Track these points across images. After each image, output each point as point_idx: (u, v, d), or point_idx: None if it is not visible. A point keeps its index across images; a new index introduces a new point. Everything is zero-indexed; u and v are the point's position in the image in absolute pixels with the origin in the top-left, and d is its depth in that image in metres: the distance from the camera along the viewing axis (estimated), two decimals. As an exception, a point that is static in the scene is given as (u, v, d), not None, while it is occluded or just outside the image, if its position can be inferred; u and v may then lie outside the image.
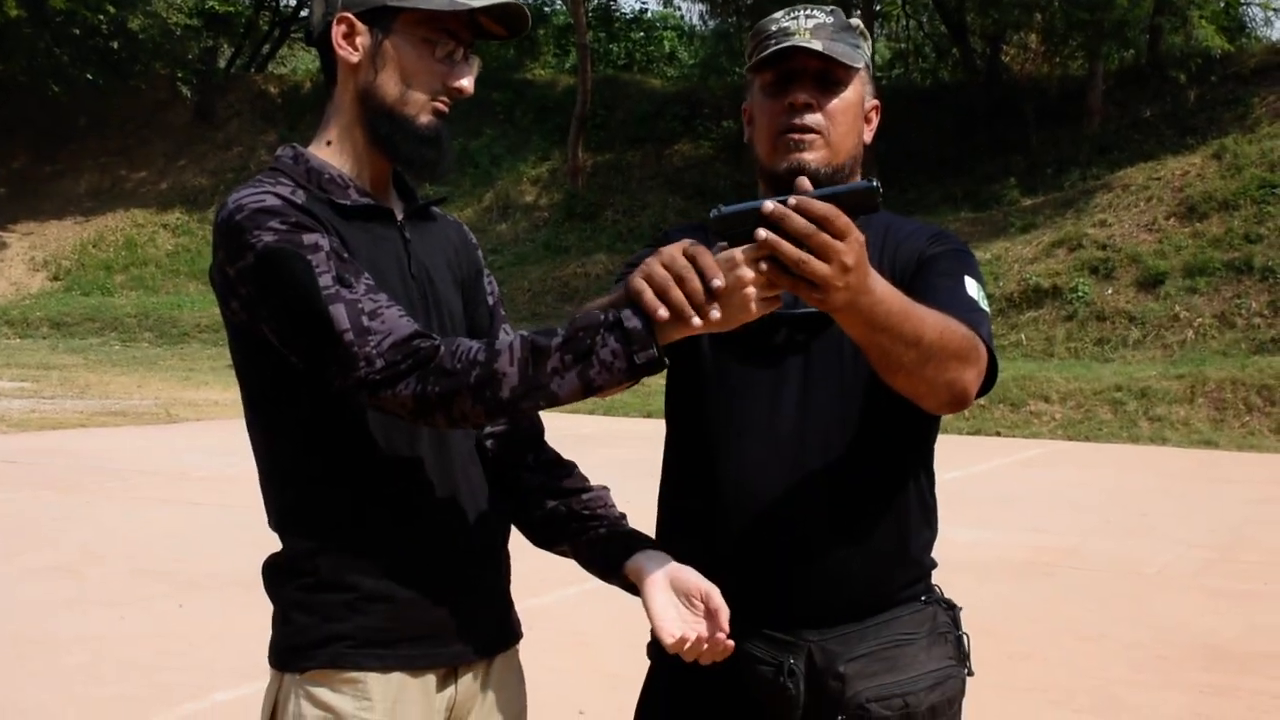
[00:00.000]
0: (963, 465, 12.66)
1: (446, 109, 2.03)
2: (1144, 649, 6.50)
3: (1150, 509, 10.77)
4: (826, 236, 1.71)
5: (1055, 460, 14.09)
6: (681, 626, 1.99)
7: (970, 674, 2.30)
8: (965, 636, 2.31)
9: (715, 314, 1.74)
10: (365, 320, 1.83)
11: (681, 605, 2.02)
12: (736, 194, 28.16)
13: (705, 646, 2.00)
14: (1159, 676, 6.07)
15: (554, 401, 1.81)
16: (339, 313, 1.82)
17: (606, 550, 2.12)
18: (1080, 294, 20.42)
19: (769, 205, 1.72)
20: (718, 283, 1.73)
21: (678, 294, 1.74)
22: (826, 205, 1.72)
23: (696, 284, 1.73)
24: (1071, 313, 20.32)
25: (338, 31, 2.00)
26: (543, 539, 2.22)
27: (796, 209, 1.71)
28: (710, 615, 2.01)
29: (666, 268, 1.75)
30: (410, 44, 1.98)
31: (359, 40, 1.99)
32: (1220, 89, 25.82)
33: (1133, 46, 26.64)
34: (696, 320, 1.74)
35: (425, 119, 2.01)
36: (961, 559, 7.70)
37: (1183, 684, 5.95)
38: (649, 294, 1.75)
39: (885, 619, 2.22)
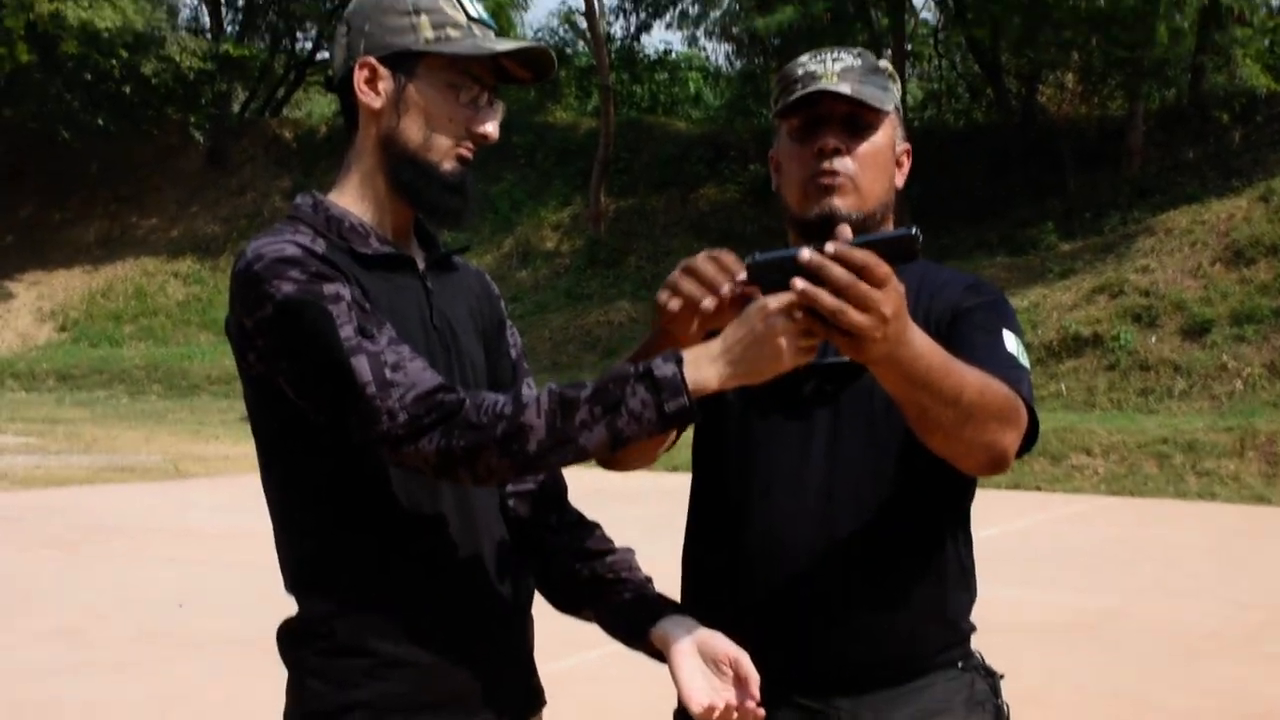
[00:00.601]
0: (1002, 522, 12.46)
1: (471, 155, 2.03)
2: (1196, 717, 6.38)
3: (1200, 568, 10.60)
4: (865, 286, 1.69)
5: (1099, 516, 13.89)
6: (710, 695, 1.94)
7: None
8: (1005, 706, 2.25)
9: (727, 288, 1.80)
10: (388, 373, 1.81)
11: (710, 672, 1.98)
12: (763, 239, 27.86)
13: (735, 715, 1.94)
14: None
15: (582, 456, 1.80)
16: (361, 365, 1.81)
17: (631, 616, 2.08)
18: (1122, 342, 19.97)
19: (806, 254, 1.71)
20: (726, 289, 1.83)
21: (689, 284, 1.83)
22: (866, 253, 1.70)
23: (710, 270, 1.84)
24: (1114, 362, 19.87)
25: (360, 76, 2.00)
26: (566, 603, 2.19)
27: (835, 257, 1.70)
28: (740, 683, 1.96)
29: (684, 267, 1.86)
30: (434, 89, 1.98)
31: (381, 85, 1.99)
32: (1266, 129, 25.35)
33: (1174, 86, 26.31)
34: (708, 302, 1.80)
35: (449, 165, 2.00)
36: (1001, 620, 7.62)
37: None
38: (663, 293, 1.86)
39: (920, 685, 2.16)
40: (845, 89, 2.15)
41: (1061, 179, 26.12)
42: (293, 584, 2.01)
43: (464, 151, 2.02)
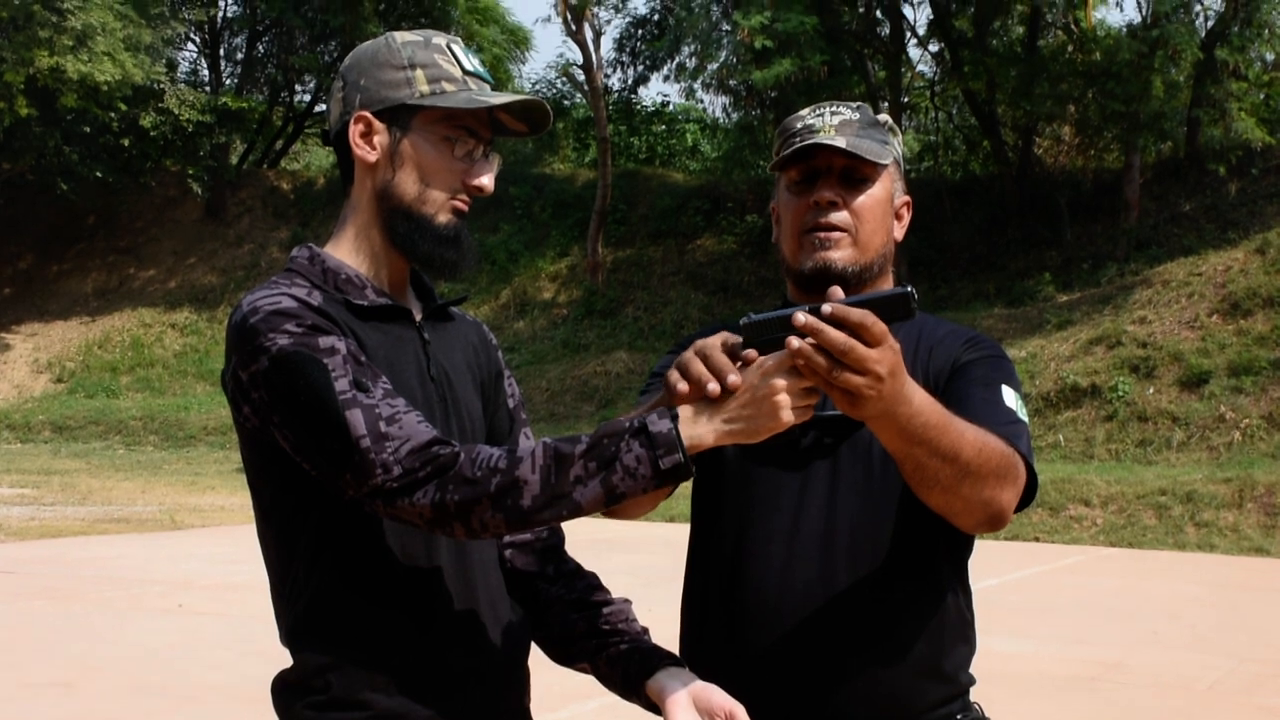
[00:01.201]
0: (999, 573, 12.43)
1: (466, 207, 2.03)
2: None
3: (1199, 620, 10.57)
4: (861, 347, 1.70)
5: (1097, 568, 13.89)
6: None
7: None
8: None
9: (734, 378, 1.77)
10: (383, 426, 1.80)
11: None
12: (760, 290, 27.90)
13: None
14: None
15: (576, 511, 1.79)
16: (355, 418, 1.80)
17: (627, 668, 2.07)
18: (1120, 393, 19.99)
19: (801, 318, 1.72)
20: (734, 379, 1.78)
21: (699, 367, 1.81)
22: (861, 312, 1.70)
23: (722, 359, 1.80)
24: (1112, 413, 19.88)
25: (355, 131, 2.00)
26: (562, 655, 2.18)
27: (830, 318, 1.70)
28: None
29: (695, 350, 1.83)
30: (429, 142, 1.98)
31: (377, 139, 2.00)
32: (1262, 182, 25.40)
33: (1170, 138, 26.23)
34: (713, 386, 1.77)
35: (444, 218, 2.00)
36: (998, 671, 7.50)
37: None
38: (673, 374, 1.83)
39: None
40: (841, 142, 2.17)
41: (1058, 231, 26.16)
42: (288, 637, 1.99)
43: (459, 204, 2.02)
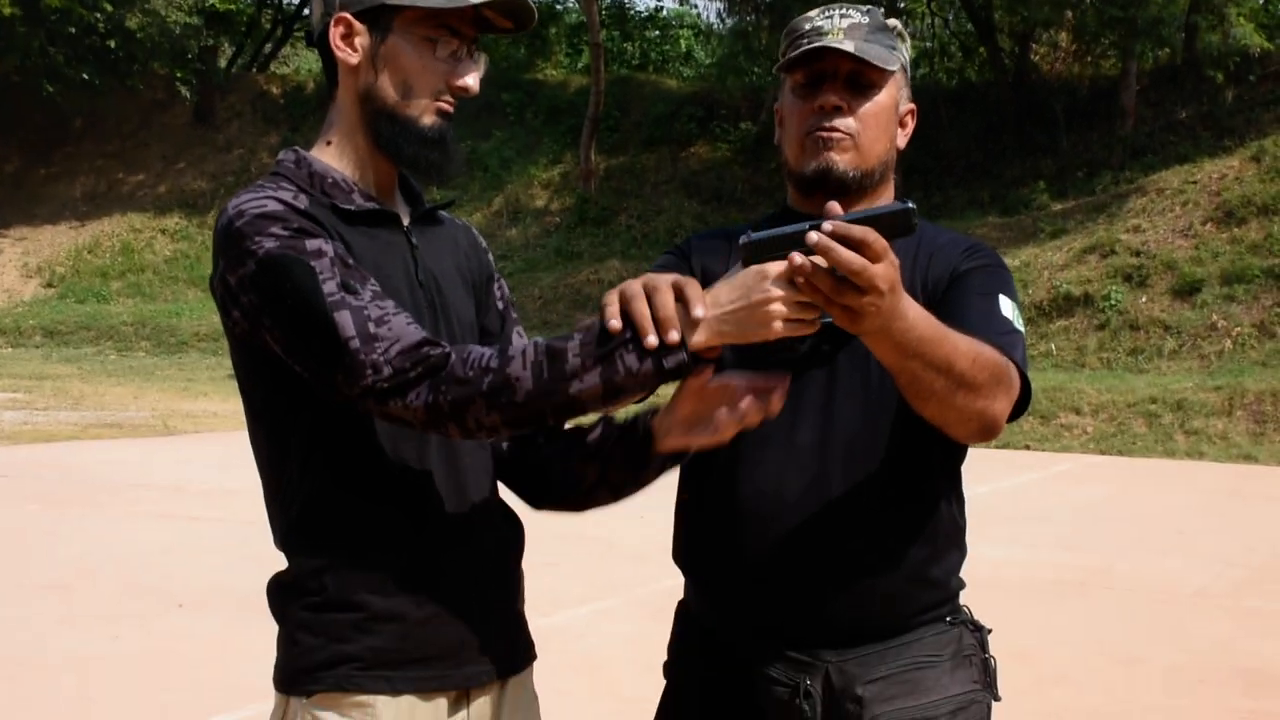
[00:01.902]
0: (990, 480, 12.53)
1: (451, 109, 1.99)
2: (1181, 673, 6.42)
3: (1186, 526, 10.66)
4: (871, 266, 1.68)
5: (1087, 475, 13.94)
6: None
7: (997, 699, 2.25)
8: (992, 660, 2.26)
9: (674, 335, 1.74)
10: (372, 327, 1.80)
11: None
12: (754, 198, 27.77)
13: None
14: (1197, 702, 5.97)
15: (574, 405, 1.78)
16: (344, 320, 1.80)
17: (627, 432, 2.05)
18: (1113, 302, 20.10)
19: (814, 236, 1.69)
20: (699, 312, 1.75)
21: (641, 307, 1.75)
22: (863, 229, 1.68)
23: (669, 303, 1.75)
24: (1104, 322, 20.01)
25: (335, 33, 1.97)
26: (581, 498, 2.14)
27: (833, 235, 1.68)
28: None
29: (644, 285, 1.77)
30: (410, 43, 1.94)
31: (358, 41, 1.96)
32: (1259, 89, 25.27)
33: (1167, 45, 26.08)
34: (651, 339, 1.73)
35: (429, 120, 1.97)
36: (989, 578, 7.56)
37: (1222, 710, 5.85)
38: (610, 302, 1.77)
39: (908, 640, 2.17)
40: (849, 46, 2.13)
41: (1054, 139, 26.06)
42: (282, 540, 1.99)
43: (443, 106, 1.98)
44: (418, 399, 1.79)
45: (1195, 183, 22.15)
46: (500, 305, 2.21)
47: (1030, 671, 6.11)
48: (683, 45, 37.78)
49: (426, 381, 1.79)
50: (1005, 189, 25.41)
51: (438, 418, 1.80)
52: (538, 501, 2.18)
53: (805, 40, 2.18)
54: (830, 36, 2.15)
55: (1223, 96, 25.32)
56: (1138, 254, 20.78)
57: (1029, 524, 10.36)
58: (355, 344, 1.79)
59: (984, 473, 12.21)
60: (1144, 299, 20.02)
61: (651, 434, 2.04)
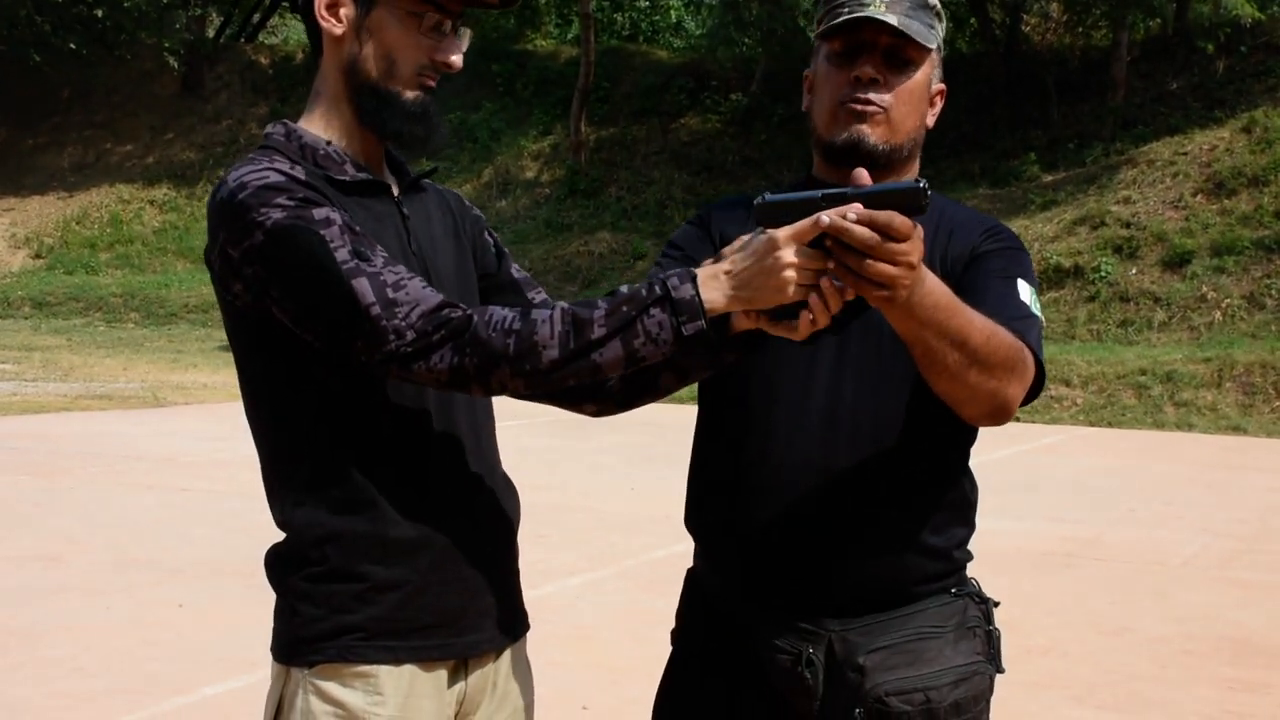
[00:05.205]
0: (980, 452, 12.47)
1: (434, 83, 1.99)
2: (1169, 643, 6.46)
3: (1175, 498, 10.76)
4: (889, 243, 1.70)
5: (1076, 447, 14.03)
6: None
7: (1000, 671, 2.24)
8: (996, 631, 2.25)
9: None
10: (390, 292, 1.80)
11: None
12: (744, 170, 27.69)
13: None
14: (1184, 672, 6.01)
15: (597, 372, 1.81)
16: (362, 286, 1.80)
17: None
18: (1103, 274, 20.09)
19: (825, 219, 1.71)
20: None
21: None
22: (887, 214, 1.70)
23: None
24: (1094, 293, 20.02)
25: (320, 3, 1.96)
26: (633, 390, 2.14)
27: (858, 221, 1.70)
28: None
29: None
30: (395, 17, 1.94)
31: (343, 12, 1.96)
32: (1250, 60, 25.16)
33: (1159, 15, 25.95)
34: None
35: (411, 94, 1.97)
36: (978, 549, 7.53)
37: (1209, 679, 5.89)
38: None
39: (912, 611, 2.18)
40: (892, 19, 2.11)
41: (1045, 110, 25.95)
42: (282, 511, 2.00)
43: (427, 80, 1.99)
44: (442, 361, 1.81)
45: (1186, 154, 22.12)
46: (494, 248, 2.24)
47: (1018, 642, 6.07)
48: (673, 16, 37.57)
49: (450, 344, 1.81)
50: (995, 160, 25.34)
51: (462, 379, 1.83)
52: (587, 397, 2.15)
53: (845, 9, 2.14)
54: (873, 7, 2.12)
55: (1214, 67, 25.23)
56: (1128, 225, 20.77)
57: (1018, 495, 10.41)
58: (376, 310, 1.80)
59: (974, 445, 12.32)
60: (1134, 270, 20.03)
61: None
